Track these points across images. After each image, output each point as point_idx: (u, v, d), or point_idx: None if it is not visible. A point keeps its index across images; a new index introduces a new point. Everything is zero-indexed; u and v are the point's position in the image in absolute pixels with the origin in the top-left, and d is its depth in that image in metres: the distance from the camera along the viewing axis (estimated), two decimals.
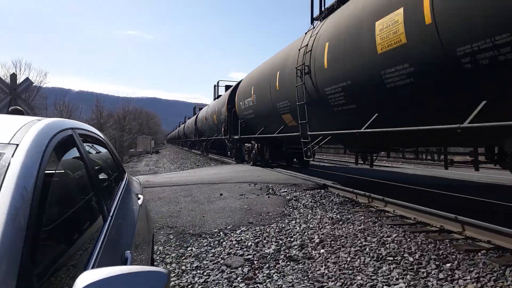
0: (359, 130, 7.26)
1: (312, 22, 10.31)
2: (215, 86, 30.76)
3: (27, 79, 11.20)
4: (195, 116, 40.27)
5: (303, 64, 9.46)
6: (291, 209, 6.82)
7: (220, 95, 26.90)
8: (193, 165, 25.68)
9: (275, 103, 12.10)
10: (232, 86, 23.16)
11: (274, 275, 3.88)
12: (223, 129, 20.74)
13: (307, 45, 9.45)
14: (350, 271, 3.92)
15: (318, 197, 7.96)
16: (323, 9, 9.85)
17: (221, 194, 8.27)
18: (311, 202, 7.46)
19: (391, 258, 4.22)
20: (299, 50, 9.94)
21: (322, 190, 8.85)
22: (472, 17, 4.74)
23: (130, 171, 30.02)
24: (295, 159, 17.10)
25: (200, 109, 40.59)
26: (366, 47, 6.75)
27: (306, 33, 10.18)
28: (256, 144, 16.05)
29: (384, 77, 6.36)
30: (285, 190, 8.79)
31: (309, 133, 9.54)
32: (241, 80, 18.94)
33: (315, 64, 8.84)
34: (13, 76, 11.13)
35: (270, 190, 8.73)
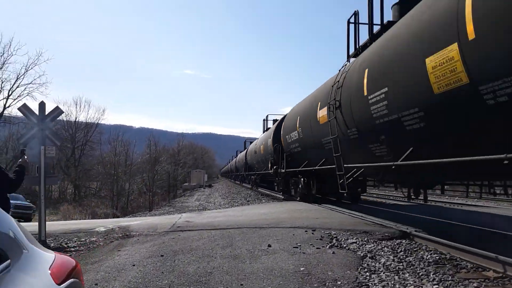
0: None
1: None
2: (264, 120, 30.85)
3: (57, 107, 10.05)
4: (245, 150, 40.43)
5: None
6: (367, 274, 4.77)
7: (269, 128, 26.75)
8: (243, 200, 23.97)
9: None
10: (285, 115, 23.00)
11: None
12: (270, 163, 20.43)
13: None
14: None
15: (401, 253, 5.81)
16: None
17: (269, 246, 6.33)
18: (394, 261, 5.35)
19: None
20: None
21: (404, 241, 6.66)
22: None
23: (180, 206, 28.89)
24: (345, 194, 14.96)
25: (251, 143, 40.35)
26: None
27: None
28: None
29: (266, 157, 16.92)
30: (354, 240, 6.71)
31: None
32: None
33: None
34: (42, 105, 10.03)
35: (334, 241, 6.67)
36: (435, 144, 6.26)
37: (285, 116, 19.02)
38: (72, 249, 7.57)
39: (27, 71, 43.91)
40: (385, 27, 8.95)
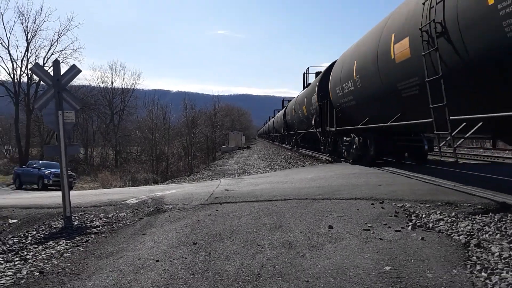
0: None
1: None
2: (304, 73, 26.46)
3: (73, 66, 8.82)
4: (284, 109, 37.69)
5: (295, 108, 12.09)
6: (484, 274, 3.28)
7: (310, 83, 23.83)
8: (284, 162, 22.62)
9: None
10: (290, 100, 24.54)
11: None
12: (313, 121, 18.64)
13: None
14: None
15: None
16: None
17: (330, 227, 4.90)
18: (510, 249, 3.82)
19: None
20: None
21: (508, 216, 5.06)
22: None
23: (219, 170, 27.98)
24: (406, 154, 13.38)
25: (289, 101, 37.33)
26: None
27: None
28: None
29: (309, 115, 18.58)
30: (439, 216, 5.17)
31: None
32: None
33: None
34: (56, 64, 8.82)
35: (414, 218, 5.15)
36: None
37: (332, 64, 16.47)
38: (94, 230, 6.49)
39: (60, 37, 43.67)
40: (307, 85, 17.79)
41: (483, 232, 4.41)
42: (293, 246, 4.23)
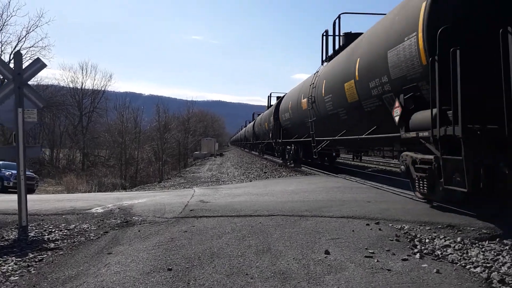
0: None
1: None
2: (268, 96, 36.12)
3: (37, 59, 7.95)
4: (253, 121, 44.41)
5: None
6: None
7: (272, 105, 30.02)
8: (259, 171, 22.03)
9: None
10: (281, 97, 26.90)
11: None
12: (271, 134, 24.87)
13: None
14: None
15: None
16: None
17: (327, 253, 4.27)
18: None
19: None
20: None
21: None
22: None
23: (191, 177, 27.08)
24: (326, 158, 20.49)
25: (258, 115, 45.69)
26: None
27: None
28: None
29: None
30: (444, 241, 4.63)
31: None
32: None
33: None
34: (18, 56, 7.93)
35: (418, 243, 4.57)
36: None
37: (281, 100, 23.72)
38: (52, 244, 5.66)
39: (28, 33, 41.62)
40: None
41: (500, 264, 3.89)
42: (287, 277, 3.58)
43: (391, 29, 7.97)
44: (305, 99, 15.06)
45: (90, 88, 55.03)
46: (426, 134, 6.29)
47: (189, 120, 66.62)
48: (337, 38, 13.41)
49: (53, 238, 6.03)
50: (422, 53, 6.60)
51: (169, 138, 46.96)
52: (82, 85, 54.62)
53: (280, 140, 21.97)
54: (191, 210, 7.40)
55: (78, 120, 52.69)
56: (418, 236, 4.90)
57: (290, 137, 19.95)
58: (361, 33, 11.38)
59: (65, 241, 5.86)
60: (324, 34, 14.18)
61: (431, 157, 6.36)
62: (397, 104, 7.41)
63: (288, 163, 21.81)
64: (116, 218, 7.24)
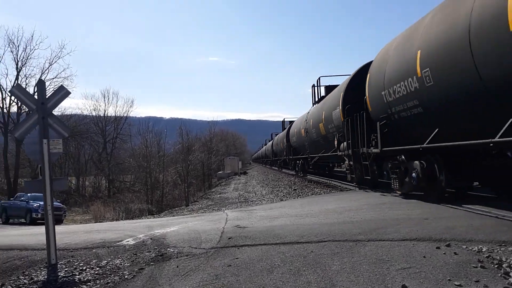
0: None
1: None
2: (313, 86, 35.37)
3: (61, 87, 7.59)
4: (286, 131, 39.06)
5: (305, 127, 22.29)
6: None
7: (323, 97, 22.90)
8: (288, 189, 21.35)
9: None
10: (293, 121, 34.32)
11: None
12: (336, 141, 22.22)
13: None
14: None
15: None
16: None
17: None
18: None
19: None
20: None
21: None
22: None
23: (218, 198, 26.54)
24: (326, 168, 25.26)
25: (276, 135, 50.15)
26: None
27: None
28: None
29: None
30: None
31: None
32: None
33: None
34: (41, 84, 7.60)
35: (508, 269, 3.89)
36: (327, 149, 18.87)
37: (290, 126, 32.18)
38: (85, 286, 5.15)
39: (51, 65, 42.46)
40: (319, 100, 21.35)
41: None
42: None
43: (333, 101, 16.48)
44: (303, 129, 24.03)
45: (113, 115, 55.63)
46: (345, 152, 14.12)
47: (212, 140, 66.53)
48: (320, 89, 21.84)
49: (85, 279, 5.52)
50: (341, 116, 14.62)
51: (193, 160, 46.74)
52: (104, 113, 55.32)
53: (291, 157, 30.55)
54: (229, 238, 6.81)
55: (102, 147, 53.13)
56: (503, 259, 4.17)
57: (297, 154, 27.97)
58: (335, 86, 18.98)
59: (98, 281, 5.34)
60: (312, 86, 22.67)
61: (348, 163, 14.26)
62: (336, 139, 15.64)
63: (299, 173, 28.66)
64: (150, 250, 6.71)
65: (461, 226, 5.72)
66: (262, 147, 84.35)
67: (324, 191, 15.56)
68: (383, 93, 10.16)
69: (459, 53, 6.89)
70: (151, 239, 7.75)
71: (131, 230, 9.50)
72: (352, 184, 14.76)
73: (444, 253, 4.49)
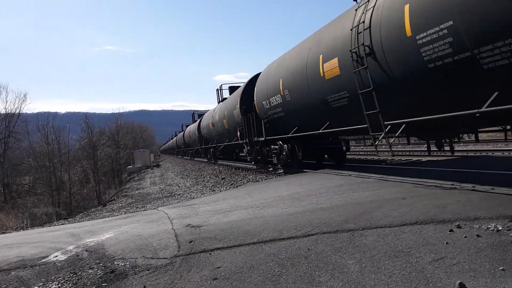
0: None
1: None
2: (218, 90, 30.28)
3: None
4: (198, 123, 38.30)
5: (212, 122, 24.01)
6: None
7: (225, 98, 26.72)
8: (216, 178, 20.42)
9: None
10: (238, 86, 23.89)
11: None
12: (239, 133, 20.14)
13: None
14: None
15: None
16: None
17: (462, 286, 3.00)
18: None
19: None
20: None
21: None
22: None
23: (138, 194, 24.64)
24: (326, 156, 15.60)
25: (186, 126, 47.51)
26: None
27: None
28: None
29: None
30: None
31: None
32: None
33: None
34: None
35: None
36: (231, 138, 23.50)
37: (254, 80, 18.21)
38: None
39: None
40: (222, 100, 25.88)
41: None
42: None
43: (233, 102, 19.64)
44: (211, 123, 27.58)
45: (3, 111, 49.48)
46: (245, 141, 18.48)
47: (118, 133, 62.68)
48: (222, 92, 25.83)
49: None
50: (240, 114, 18.73)
51: (101, 155, 43.43)
52: None
53: (203, 146, 34.12)
54: (190, 242, 5.78)
55: None
56: None
57: (208, 144, 31.72)
58: (237, 86, 23.57)
59: None
60: (217, 90, 26.44)
61: (247, 148, 19.03)
62: (238, 131, 19.33)
63: (210, 160, 31.79)
64: (92, 267, 5.43)
65: (449, 204, 5.35)
66: (172, 138, 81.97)
67: (259, 178, 14.92)
68: (264, 102, 15.31)
69: (302, 80, 11.48)
70: (86, 250, 6.42)
71: (52, 241, 7.97)
72: (251, 163, 20.49)
73: (465, 236, 3.99)
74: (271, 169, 17.13)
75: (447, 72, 6.37)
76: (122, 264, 5.31)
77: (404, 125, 7.82)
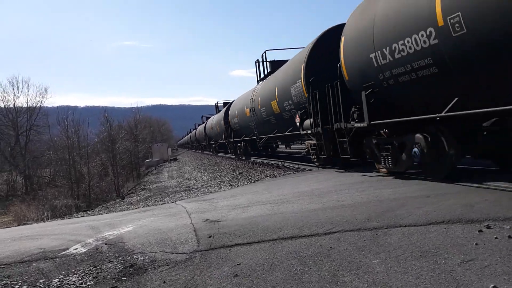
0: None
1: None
2: (215, 104, 43.54)
3: None
4: (204, 125, 48.22)
5: (252, 106, 20.67)
6: None
7: (219, 111, 37.59)
8: (232, 173, 20.43)
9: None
10: (227, 103, 33.86)
11: None
12: (223, 135, 30.91)
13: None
14: None
15: None
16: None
17: None
18: None
19: None
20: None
21: None
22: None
23: (156, 188, 24.88)
24: (269, 149, 25.82)
25: (207, 118, 50.34)
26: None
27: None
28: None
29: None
30: None
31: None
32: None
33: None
34: None
35: None
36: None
37: (229, 107, 29.86)
38: None
39: None
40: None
41: None
42: None
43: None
44: (248, 109, 21.94)
45: (25, 105, 50.39)
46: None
47: (137, 127, 63.25)
48: (266, 64, 20.87)
49: None
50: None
51: (119, 149, 43.89)
52: (14, 103, 49.91)
53: (231, 139, 28.71)
54: (209, 237, 5.73)
55: (15, 141, 48.09)
56: None
57: (239, 137, 26.36)
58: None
59: None
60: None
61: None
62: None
63: (240, 157, 27.44)
64: (112, 260, 5.43)
65: (477, 203, 5.18)
66: (190, 132, 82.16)
67: (277, 173, 14.83)
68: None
69: (244, 115, 24.36)
70: (105, 244, 6.43)
71: (72, 234, 8.03)
72: (314, 165, 13.85)
73: (496, 238, 3.84)
74: (240, 157, 21.62)
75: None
76: (142, 258, 5.29)
77: (264, 138, 20.44)
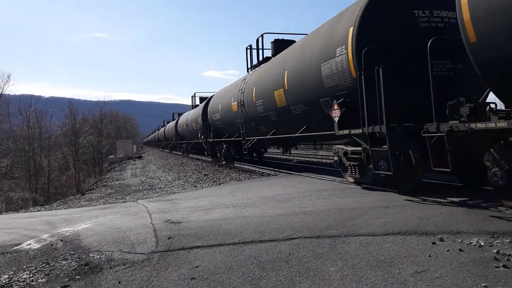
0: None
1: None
2: (192, 96, 37.03)
3: None
4: (175, 122, 43.05)
5: (241, 99, 16.34)
6: None
7: (197, 105, 32.73)
8: (197, 174, 20.25)
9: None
10: (205, 98, 29.79)
11: None
12: (200, 134, 25.57)
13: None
14: None
15: None
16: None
17: None
18: None
19: None
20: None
21: None
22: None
23: (118, 185, 24.28)
24: (254, 154, 22.09)
25: (179, 115, 46.68)
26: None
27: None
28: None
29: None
30: None
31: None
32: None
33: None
34: None
35: None
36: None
37: (209, 99, 24.74)
38: None
39: None
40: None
41: None
42: None
43: (198, 112, 22.33)
44: (235, 102, 17.34)
45: None
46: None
47: (102, 122, 61.79)
48: (260, 51, 16.65)
49: None
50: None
51: (83, 143, 42.74)
52: None
53: (210, 140, 23.56)
54: (169, 238, 5.66)
55: None
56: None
57: (221, 136, 21.62)
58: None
59: None
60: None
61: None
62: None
63: (219, 161, 23.53)
64: (66, 258, 5.28)
65: (433, 216, 5.35)
66: (159, 129, 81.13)
67: (242, 177, 14.82)
68: (212, 116, 17.34)
69: (228, 110, 19.62)
70: (61, 240, 6.25)
71: (26, 228, 7.77)
72: (208, 157, 19.07)
73: (448, 250, 3.98)
74: (219, 161, 22.46)
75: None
76: (98, 256, 5.17)
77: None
